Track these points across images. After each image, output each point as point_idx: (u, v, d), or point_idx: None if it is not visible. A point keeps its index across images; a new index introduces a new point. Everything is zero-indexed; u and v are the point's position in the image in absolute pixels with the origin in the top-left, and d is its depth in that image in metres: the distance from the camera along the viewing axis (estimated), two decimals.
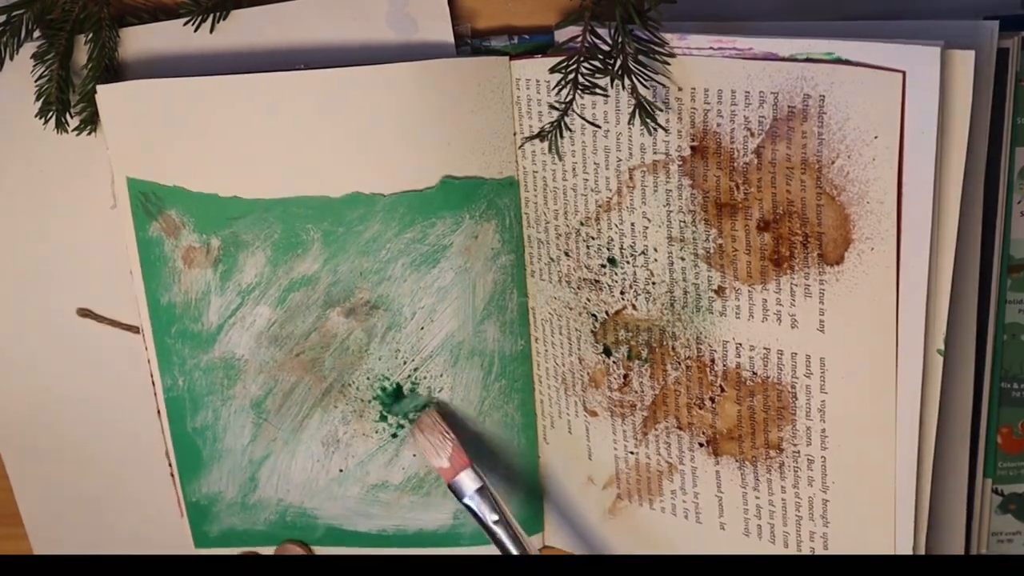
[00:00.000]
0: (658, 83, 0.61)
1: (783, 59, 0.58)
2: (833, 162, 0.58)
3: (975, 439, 0.66)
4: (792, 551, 0.67)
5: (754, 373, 0.64)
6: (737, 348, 0.64)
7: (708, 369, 0.66)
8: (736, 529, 0.68)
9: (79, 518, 0.78)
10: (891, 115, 0.56)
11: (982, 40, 0.58)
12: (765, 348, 0.64)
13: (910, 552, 0.63)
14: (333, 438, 0.72)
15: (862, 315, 0.60)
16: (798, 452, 0.64)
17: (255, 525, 0.75)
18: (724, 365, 0.65)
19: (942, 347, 0.60)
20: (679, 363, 0.67)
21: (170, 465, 0.74)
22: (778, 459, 0.65)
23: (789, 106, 0.58)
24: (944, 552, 0.67)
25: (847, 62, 0.57)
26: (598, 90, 0.61)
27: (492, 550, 0.73)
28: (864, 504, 0.64)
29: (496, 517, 0.67)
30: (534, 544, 0.73)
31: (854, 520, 0.64)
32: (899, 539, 0.63)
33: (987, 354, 0.65)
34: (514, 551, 0.67)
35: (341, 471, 0.73)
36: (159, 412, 0.73)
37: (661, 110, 0.62)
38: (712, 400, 0.66)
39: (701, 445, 0.68)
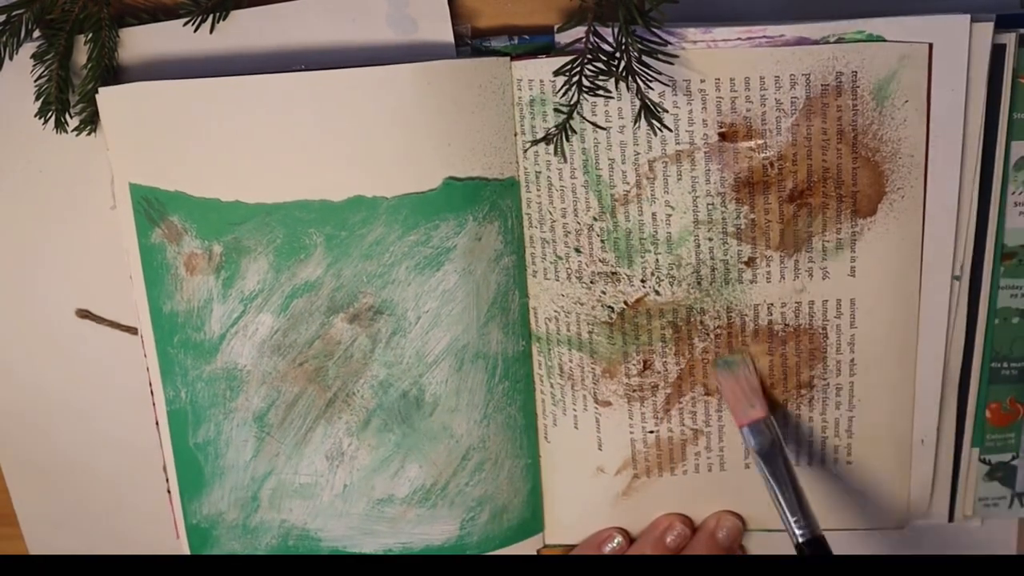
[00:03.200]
0: (672, 77, 0.62)
1: (814, 43, 0.61)
2: (867, 129, 0.63)
3: (962, 413, 0.72)
4: (816, 465, 0.72)
5: (786, 325, 0.68)
6: (769, 308, 0.68)
7: (739, 332, 0.68)
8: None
9: (76, 527, 0.76)
10: (919, 81, 0.63)
11: (978, 36, 0.63)
12: (796, 302, 0.67)
13: (932, 455, 0.72)
14: (337, 451, 0.70)
15: (891, 254, 0.66)
16: (827, 384, 0.69)
17: (256, 550, 0.73)
18: (756, 324, 0.68)
19: (958, 273, 0.68)
20: (707, 334, 0.68)
21: (167, 481, 0.72)
22: (808, 395, 0.70)
23: (822, 84, 0.62)
24: (931, 516, 0.74)
25: (879, 39, 0.61)
26: (602, 92, 0.62)
27: None
28: (887, 412, 0.71)
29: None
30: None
31: (876, 427, 0.71)
32: (917, 438, 0.71)
33: (978, 335, 0.70)
34: (790, 517, 0.66)
35: (346, 486, 0.71)
36: (157, 424, 0.71)
37: (667, 111, 0.63)
38: None
39: None
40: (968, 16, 0.61)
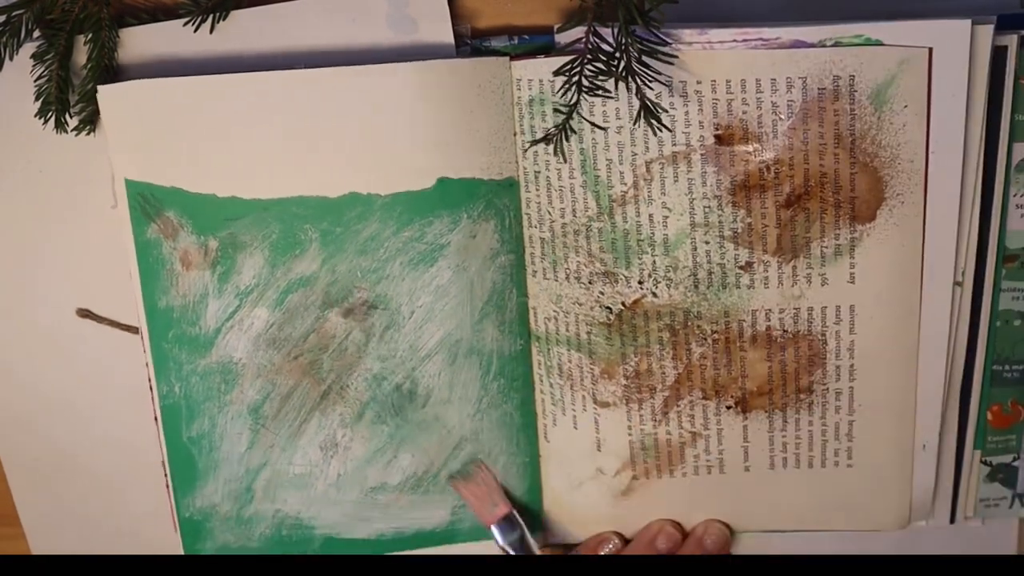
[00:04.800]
0: (671, 77, 0.62)
1: (811, 46, 0.61)
2: (865, 134, 0.63)
3: (964, 415, 0.72)
4: (816, 470, 0.72)
5: (784, 331, 0.68)
6: (767, 314, 0.68)
7: (737, 338, 0.68)
8: (761, 467, 0.72)
9: (78, 527, 0.77)
10: (919, 86, 0.62)
11: (979, 39, 0.62)
12: (795, 308, 0.67)
13: (934, 459, 0.72)
14: (331, 442, 0.71)
15: (891, 260, 0.66)
16: (827, 389, 0.69)
17: (250, 541, 0.73)
18: (753, 330, 0.68)
19: (960, 279, 0.68)
20: (705, 339, 0.68)
21: (166, 476, 0.73)
22: (807, 400, 0.70)
23: (819, 88, 0.62)
24: (933, 517, 0.75)
25: (878, 43, 0.61)
26: (602, 92, 0.62)
27: (490, 547, 0.73)
28: (888, 417, 0.70)
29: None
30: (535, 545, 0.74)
31: (877, 432, 0.71)
32: (919, 443, 0.71)
33: (980, 338, 0.70)
34: None
35: (339, 476, 0.72)
36: (156, 419, 0.71)
37: (666, 111, 0.63)
38: (741, 364, 0.69)
39: (729, 408, 0.70)
40: (970, 21, 0.61)
